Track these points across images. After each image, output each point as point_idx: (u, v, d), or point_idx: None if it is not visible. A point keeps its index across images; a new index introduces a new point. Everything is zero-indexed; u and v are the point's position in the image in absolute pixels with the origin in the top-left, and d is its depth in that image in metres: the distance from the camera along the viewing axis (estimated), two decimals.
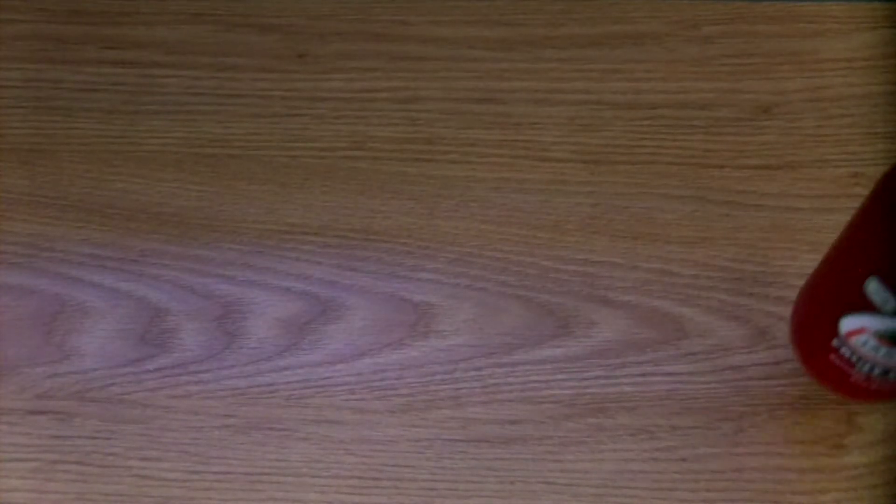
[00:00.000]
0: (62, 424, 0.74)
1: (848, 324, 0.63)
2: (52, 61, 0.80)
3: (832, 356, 0.66)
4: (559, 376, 0.75)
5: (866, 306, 0.60)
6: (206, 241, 0.77)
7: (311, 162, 0.79)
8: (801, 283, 0.76)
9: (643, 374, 0.75)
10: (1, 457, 0.74)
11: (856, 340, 0.63)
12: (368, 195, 0.78)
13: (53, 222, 0.78)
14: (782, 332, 0.75)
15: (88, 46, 0.80)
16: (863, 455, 0.73)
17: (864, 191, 0.77)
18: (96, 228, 0.78)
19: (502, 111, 0.79)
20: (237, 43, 0.81)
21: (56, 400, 0.75)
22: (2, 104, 0.80)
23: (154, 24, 0.81)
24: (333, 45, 0.80)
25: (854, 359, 0.64)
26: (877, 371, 0.64)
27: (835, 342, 0.65)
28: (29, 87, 0.80)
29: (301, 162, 0.79)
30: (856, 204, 0.76)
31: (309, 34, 0.81)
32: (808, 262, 0.76)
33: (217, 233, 0.78)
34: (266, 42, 0.81)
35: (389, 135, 0.79)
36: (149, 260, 0.77)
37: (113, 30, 0.81)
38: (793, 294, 0.75)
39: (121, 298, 0.77)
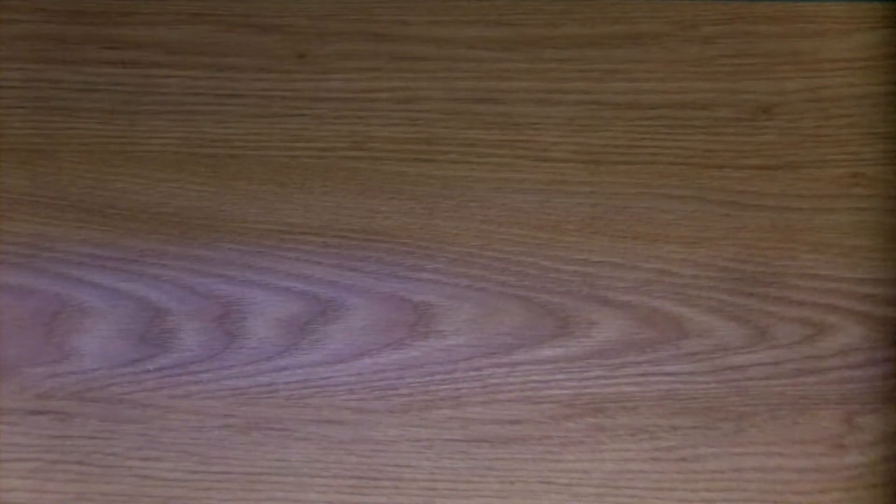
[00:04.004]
0: (62, 424, 0.74)
1: None
2: (52, 61, 0.80)
3: None
4: (559, 376, 0.75)
5: None
6: (206, 241, 0.77)
7: (311, 162, 0.79)
8: (801, 283, 0.76)
9: (643, 374, 0.75)
10: (1, 457, 0.74)
11: None
12: (368, 195, 0.78)
13: (53, 222, 0.78)
14: (782, 332, 0.75)
15: (88, 46, 0.80)
16: (863, 455, 0.73)
17: (864, 191, 0.77)
18: (96, 228, 0.78)
19: (502, 111, 0.79)
20: (237, 43, 0.81)
21: (56, 400, 0.75)
22: (2, 104, 0.80)
23: (154, 24, 0.81)
24: (333, 45, 0.80)
25: None
26: None
27: None
28: (29, 87, 0.80)
29: (301, 162, 0.79)
30: (856, 204, 0.77)
31: (309, 34, 0.81)
32: (808, 262, 0.76)
33: (217, 233, 0.78)
34: (266, 42, 0.81)
35: (389, 135, 0.79)
36: (149, 260, 0.77)
37: (113, 30, 0.81)
38: (793, 294, 0.75)
39: (121, 298, 0.77)
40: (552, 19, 0.80)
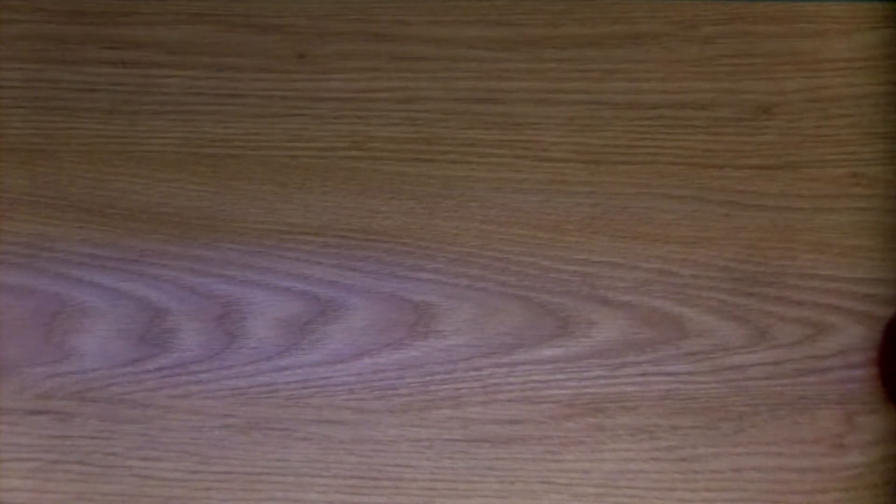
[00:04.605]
0: (62, 424, 0.74)
1: None
2: (52, 61, 0.80)
3: None
4: (559, 376, 0.75)
5: None
6: (206, 241, 0.77)
7: (311, 162, 0.79)
8: (801, 283, 0.76)
9: (643, 374, 0.75)
10: (1, 457, 0.74)
11: None
12: (368, 195, 0.78)
13: (53, 222, 0.78)
14: (782, 332, 0.75)
15: (88, 46, 0.80)
16: (863, 455, 0.73)
17: (864, 191, 0.77)
18: (96, 228, 0.78)
19: (502, 111, 0.79)
20: (237, 43, 0.81)
21: (56, 400, 0.75)
22: (2, 104, 0.80)
23: (154, 24, 0.81)
24: (333, 45, 0.80)
25: None
26: None
27: None
28: (29, 87, 0.80)
29: (301, 162, 0.79)
30: (856, 204, 0.77)
31: (309, 34, 0.81)
32: (808, 262, 0.76)
33: (217, 233, 0.78)
34: (266, 42, 0.81)
35: (389, 135, 0.79)
36: (149, 260, 0.77)
37: (113, 30, 0.81)
38: (793, 294, 0.75)
39: (121, 298, 0.77)
40: (552, 19, 0.80)
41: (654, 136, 0.79)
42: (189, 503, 0.73)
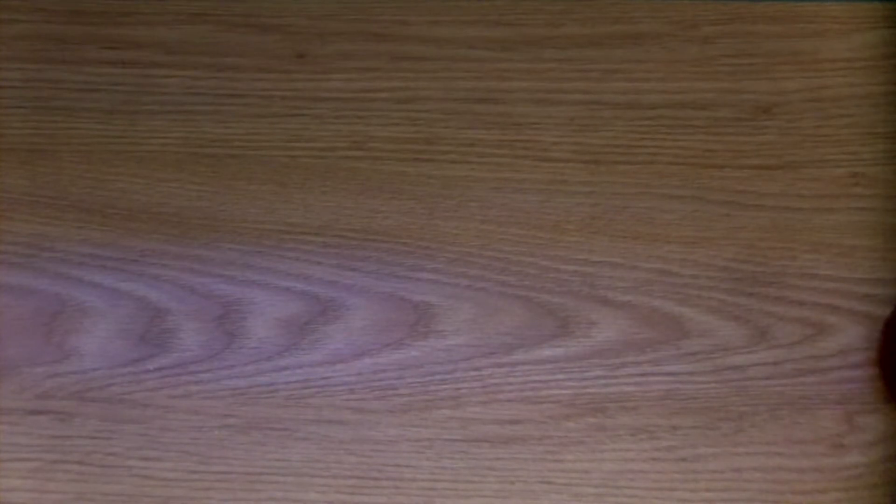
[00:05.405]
0: (62, 424, 0.75)
1: None
2: (52, 61, 0.80)
3: None
4: (559, 376, 0.75)
5: None
6: (206, 241, 0.77)
7: (311, 162, 0.79)
8: (801, 283, 0.76)
9: (643, 374, 0.75)
10: (1, 457, 0.74)
11: None
12: (368, 195, 0.78)
13: (53, 222, 0.78)
14: (782, 332, 0.75)
15: (88, 46, 0.80)
16: (863, 455, 0.73)
17: (864, 191, 0.77)
18: (96, 228, 0.78)
19: (502, 111, 0.79)
20: (237, 43, 0.81)
21: (56, 400, 0.75)
22: (2, 104, 0.80)
23: (154, 24, 0.81)
24: (333, 45, 0.80)
25: None
26: None
27: None
28: (29, 87, 0.80)
29: (301, 162, 0.79)
30: (856, 204, 0.77)
31: (309, 34, 0.81)
32: (808, 262, 0.76)
33: (217, 233, 0.78)
34: (266, 42, 0.81)
35: (389, 135, 0.79)
36: (149, 260, 0.77)
37: (113, 30, 0.81)
38: (793, 294, 0.75)
39: (121, 298, 0.77)
40: (552, 19, 0.80)
41: (654, 136, 0.79)
42: (189, 503, 0.73)
